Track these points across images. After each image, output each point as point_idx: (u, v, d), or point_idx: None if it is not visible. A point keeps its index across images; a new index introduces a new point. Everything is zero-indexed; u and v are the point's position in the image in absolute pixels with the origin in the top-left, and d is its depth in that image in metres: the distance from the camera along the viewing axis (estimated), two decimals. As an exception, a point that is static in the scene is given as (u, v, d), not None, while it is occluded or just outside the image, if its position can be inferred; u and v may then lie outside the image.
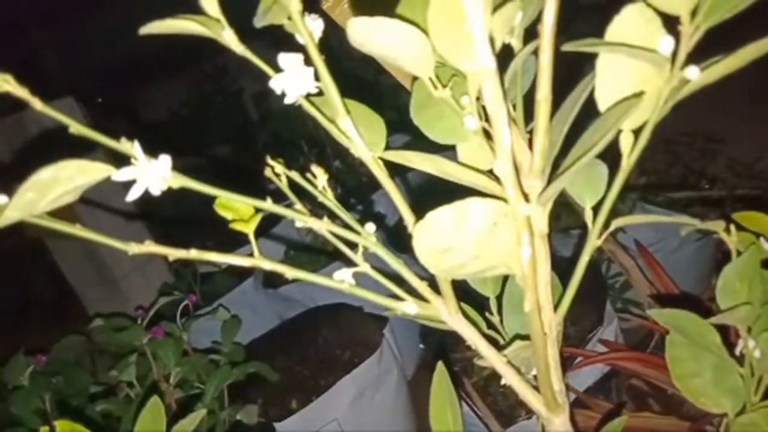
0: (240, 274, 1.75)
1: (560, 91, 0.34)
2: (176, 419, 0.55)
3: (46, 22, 2.02)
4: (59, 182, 0.31)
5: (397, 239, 0.40)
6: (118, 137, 0.31)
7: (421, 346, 1.67)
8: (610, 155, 0.35)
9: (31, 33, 1.99)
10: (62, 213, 0.33)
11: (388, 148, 0.36)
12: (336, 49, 0.35)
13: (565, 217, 1.21)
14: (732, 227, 0.41)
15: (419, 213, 0.34)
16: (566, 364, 0.40)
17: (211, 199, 0.35)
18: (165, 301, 1.23)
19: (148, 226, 1.65)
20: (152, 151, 0.32)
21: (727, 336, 0.45)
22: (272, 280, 1.71)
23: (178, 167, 0.32)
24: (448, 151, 0.38)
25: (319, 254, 1.53)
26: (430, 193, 0.34)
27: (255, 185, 0.37)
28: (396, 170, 0.36)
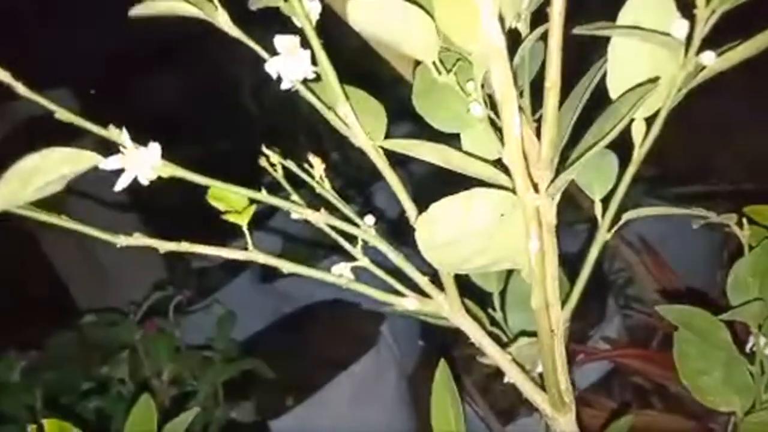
0: (235, 268, 1.72)
1: (569, 77, 0.33)
2: (169, 417, 0.53)
3: (39, 12, 2.00)
4: (43, 171, 0.29)
5: (397, 233, 0.39)
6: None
7: (421, 342, 1.66)
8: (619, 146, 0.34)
9: (24, 22, 1.96)
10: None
11: (388, 137, 0.35)
12: (334, 38, 0.34)
13: (569, 212, 1.18)
14: (744, 221, 0.40)
15: (421, 206, 0.33)
16: (569, 360, 0.38)
17: (204, 192, 0.34)
18: (158, 297, 1.21)
19: (143, 221, 1.63)
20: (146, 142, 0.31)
21: (736, 333, 0.44)
22: (268, 275, 1.69)
23: (173, 159, 0.31)
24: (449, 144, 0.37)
25: (316, 248, 1.51)
26: (432, 186, 0.32)
27: (251, 179, 0.35)
28: (397, 162, 0.35)
